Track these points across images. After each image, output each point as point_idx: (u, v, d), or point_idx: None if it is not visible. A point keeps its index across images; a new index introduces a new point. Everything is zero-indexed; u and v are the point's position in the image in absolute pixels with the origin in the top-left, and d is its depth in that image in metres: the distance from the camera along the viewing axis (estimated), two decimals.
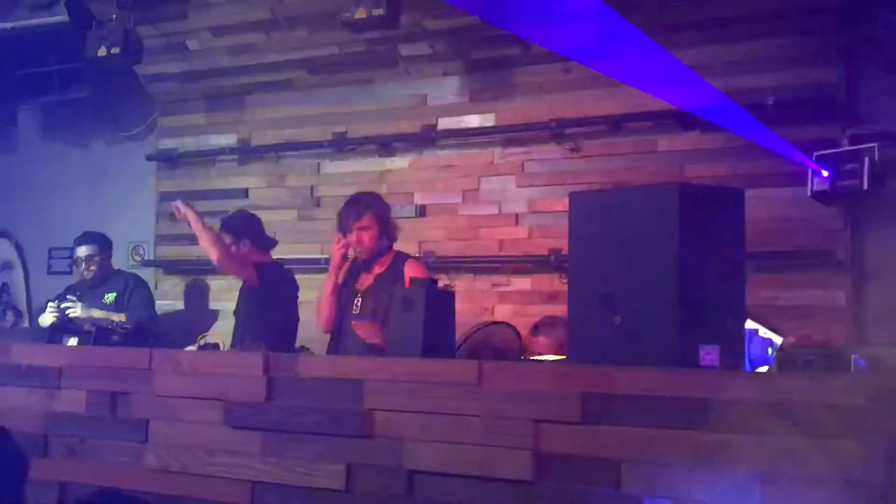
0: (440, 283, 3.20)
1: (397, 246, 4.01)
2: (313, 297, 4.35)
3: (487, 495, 2.52)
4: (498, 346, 3.29)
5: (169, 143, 5.72)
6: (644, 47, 3.67)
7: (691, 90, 3.89)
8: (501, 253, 4.70)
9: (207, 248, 4.20)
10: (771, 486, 2.20)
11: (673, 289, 2.45)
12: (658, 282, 2.48)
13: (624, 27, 3.48)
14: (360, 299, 3.76)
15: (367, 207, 3.79)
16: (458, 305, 3.04)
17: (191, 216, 4.21)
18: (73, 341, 3.67)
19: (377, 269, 3.79)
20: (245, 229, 4.37)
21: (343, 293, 3.88)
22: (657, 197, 2.58)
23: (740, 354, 2.60)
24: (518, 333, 3.49)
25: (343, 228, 3.81)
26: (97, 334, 3.52)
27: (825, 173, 3.82)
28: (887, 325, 3.84)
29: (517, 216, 4.70)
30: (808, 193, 3.87)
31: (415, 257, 3.94)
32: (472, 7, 4.25)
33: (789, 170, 3.92)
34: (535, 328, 4.07)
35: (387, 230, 3.83)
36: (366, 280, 3.80)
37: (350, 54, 5.00)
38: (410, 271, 3.69)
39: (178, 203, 4.32)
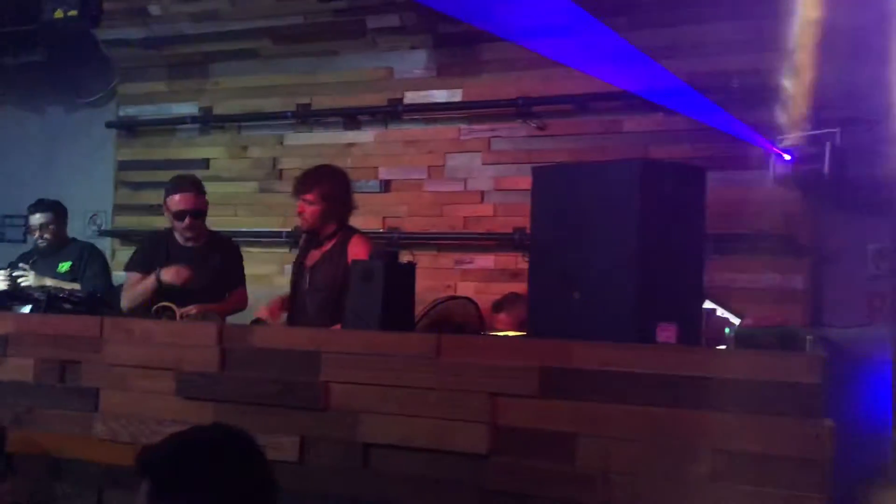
0: (405, 259, 3.16)
1: (360, 220, 3.96)
2: (272, 271, 4.31)
3: (443, 469, 2.50)
4: (458, 321, 3.26)
5: (129, 111, 5.60)
6: (591, 30, 3.66)
7: (642, 73, 3.91)
8: (466, 230, 4.68)
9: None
10: (724, 462, 2.21)
11: (632, 265, 2.44)
12: (617, 258, 2.47)
13: (570, 9, 3.46)
14: (308, 275, 3.74)
15: (316, 184, 3.69)
16: (421, 282, 3.01)
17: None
18: (25, 310, 3.57)
19: (326, 246, 3.75)
20: None
21: (295, 270, 3.87)
22: (619, 172, 2.56)
23: (697, 332, 2.60)
24: (479, 309, 3.48)
25: (294, 194, 3.79)
26: (48, 302, 3.43)
27: (787, 157, 3.85)
28: (843, 308, 3.89)
29: (482, 193, 4.68)
30: (771, 177, 3.89)
31: (362, 233, 3.85)
32: None
33: (753, 153, 3.94)
34: (497, 305, 4.07)
35: (335, 209, 3.72)
36: (314, 257, 3.77)
37: (316, 24, 4.92)
38: (354, 248, 3.63)
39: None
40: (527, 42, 4.15)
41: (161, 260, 3.93)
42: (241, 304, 4.03)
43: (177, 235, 3.99)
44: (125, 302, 3.87)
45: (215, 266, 3.96)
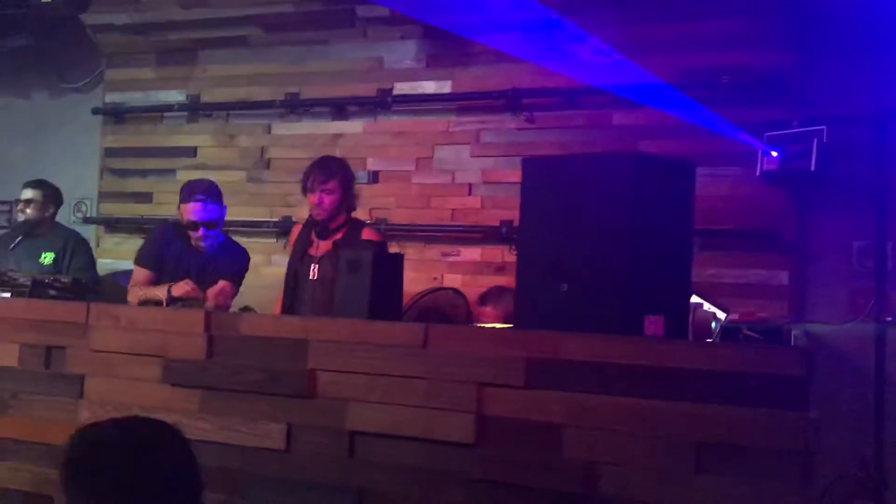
0: (393, 250, 3.17)
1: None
2: (259, 261, 4.29)
3: (429, 458, 2.50)
4: (445, 311, 3.28)
5: (116, 97, 5.56)
6: (570, 33, 3.69)
7: (625, 73, 3.95)
8: (453, 222, 4.68)
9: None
10: (709, 454, 2.23)
11: (620, 258, 2.45)
12: (606, 250, 2.47)
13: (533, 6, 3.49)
14: (316, 265, 3.74)
15: (336, 173, 3.78)
16: (408, 274, 3.01)
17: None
18: (5, 295, 3.54)
19: (335, 237, 3.77)
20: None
21: (299, 261, 3.87)
22: (610, 165, 2.57)
23: (684, 325, 2.61)
24: (466, 299, 3.49)
25: (306, 188, 3.79)
26: (33, 288, 3.40)
27: (774, 154, 3.87)
28: (828, 303, 3.93)
29: (470, 186, 4.68)
30: (757, 173, 3.92)
31: (371, 225, 3.90)
32: None
33: (740, 149, 3.96)
34: (483, 298, 4.08)
35: (347, 200, 3.83)
36: (324, 247, 3.78)
37: (306, 13, 4.90)
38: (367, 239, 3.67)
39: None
40: (507, 47, 4.21)
41: (173, 257, 3.91)
42: (221, 296, 3.83)
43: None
44: (132, 301, 3.77)
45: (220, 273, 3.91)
